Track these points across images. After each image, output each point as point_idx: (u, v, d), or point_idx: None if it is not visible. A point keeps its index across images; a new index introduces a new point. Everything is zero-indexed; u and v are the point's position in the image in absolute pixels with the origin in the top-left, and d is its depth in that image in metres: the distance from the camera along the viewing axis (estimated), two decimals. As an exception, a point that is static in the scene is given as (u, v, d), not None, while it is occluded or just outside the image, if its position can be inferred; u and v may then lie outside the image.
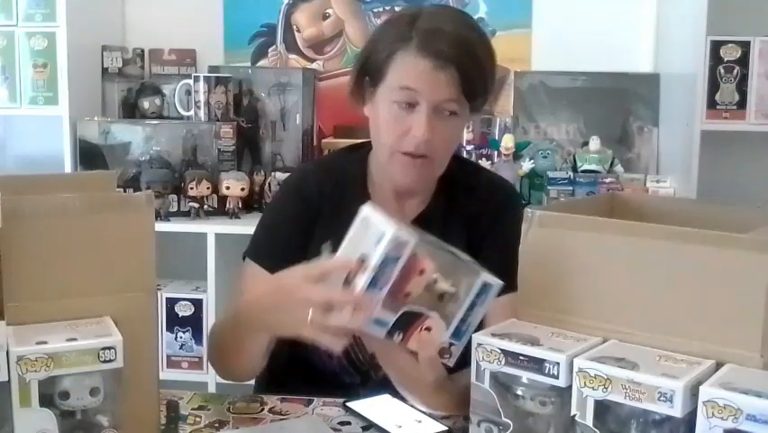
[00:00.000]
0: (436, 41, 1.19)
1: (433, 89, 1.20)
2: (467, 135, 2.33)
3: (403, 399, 1.19)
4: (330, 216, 1.30)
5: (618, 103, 2.37)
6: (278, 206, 1.42)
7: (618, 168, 2.20)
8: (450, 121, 1.23)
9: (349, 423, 1.14)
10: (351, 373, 1.33)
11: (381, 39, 1.26)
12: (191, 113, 2.30)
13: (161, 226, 2.01)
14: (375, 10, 2.47)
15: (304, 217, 1.32)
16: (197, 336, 2.22)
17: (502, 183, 1.45)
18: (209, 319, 2.19)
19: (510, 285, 1.03)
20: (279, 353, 1.38)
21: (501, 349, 0.92)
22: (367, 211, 1.00)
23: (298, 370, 1.34)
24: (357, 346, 1.30)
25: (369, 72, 1.26)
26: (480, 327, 1.01)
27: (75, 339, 0.88)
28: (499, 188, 1.40)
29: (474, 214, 1.31)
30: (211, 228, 2.13)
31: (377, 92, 1.25)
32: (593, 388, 0.85)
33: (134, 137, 2.20)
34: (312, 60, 2.51)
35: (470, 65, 1.20)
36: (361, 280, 0.94)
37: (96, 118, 2.26)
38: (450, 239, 1.22)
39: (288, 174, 1.50)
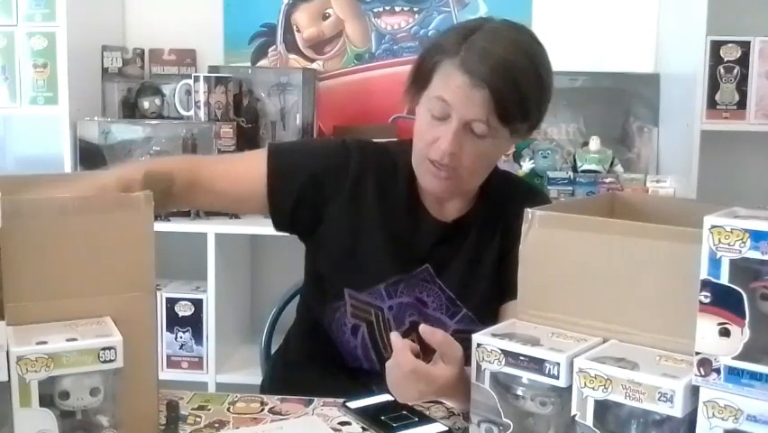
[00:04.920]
0: (479, 61, 1.18)
1: (464, 106, 1.20)
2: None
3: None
4: (373, 199, 1.32)
5: (618, 103, 2.37)
6: (319, 146, 1.42)
7: (618, 168, 2.20)
8: (480, 141, 1.22)
9: (349, 423, 1.14)
10: (370, 359, 1.34)
11: (435, 47, 1.26)
12: (191, 113, 2.29)
13: (161, 226, 2.01)
14: (375, 10, 2.47)
15: (321, 185, 1.32)
16: (197, 336, 2.21)
17: (540, 194, 1.48)
18: (209, 319, 2.19)
19: None
20: (298, 346, 1.41)
21: (501, 349, 0.92)
22: None
23: (316, 356, 1.38)
24: (383, 324, 1.32)
25: (419, 76, 1.27)
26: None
27: (75, 339, 0.88)
28: (536, 200, 1.38)
29: (510, 221, 1.31)
30: (211, 228, 2.13)
31: (421, 98, 1.27)
32: (593, 388, 0.85)
33: (134, 137, 2.20)
34: (312, 60, 2.51)
35: (508, 90, 1.19)
36: None
37: (96, 118, 2.25)
38: (484, 243, 1.32)
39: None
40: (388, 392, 1.18)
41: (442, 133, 1.21)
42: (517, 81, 1.20)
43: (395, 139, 1.47)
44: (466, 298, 1.32)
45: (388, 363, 1.09)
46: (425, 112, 1.25)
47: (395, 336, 1.08)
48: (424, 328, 1.06)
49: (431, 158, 1.24)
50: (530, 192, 1.44)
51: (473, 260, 1.33)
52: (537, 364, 0.89)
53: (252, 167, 1.32)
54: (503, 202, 1.35)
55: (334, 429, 1.12)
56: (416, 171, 1.31)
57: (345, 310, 1.32)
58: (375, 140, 1.45)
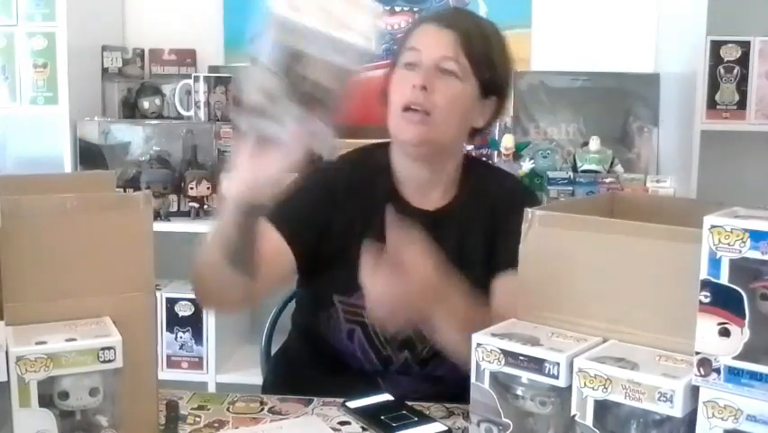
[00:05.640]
0: (447, 12, 1.35)
1: (433, 46, 1.28)
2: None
3: (402, 398, 1.19)
4: (356, 203, 1.33)
5: (618, 103, 2.37)
6: (305, 183, 1.40)
7: (618, 168, 2.20)
8: (451, 81, 1.28)
9: (348, 423, 1.14)
10: (371, 360, 1.34)
11: (405, 33, 1.39)
12: (191, 113, 2.30)
13: (161, 226, 2.01)
14: (375, 10, 2.47)
15: (326, 205, 1.34)
16: (197, 336, 2.21)
17: (517, 180, 1.56)
18: (209, 319, 2.19)
19: None
20: (299, 347, 1.41)
21: (501, 349, 0.92)
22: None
23: (317, 363, 1.38)
24: (377, 326, 1.32)
25: (397, 51, 1.35)
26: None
27: (74, 339, 0.88)
28: (515, 184, 1.49)
29: (492, 207, 1.34)
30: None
31: (395, 69, 1.33)
32: (593, 388, 0.85)
33: (134, 137, 2.20)
34: (312, 60, 2.51)
35: (473, 31, 1.30)
36: None
37: (95, 118, 2.25)
38: (468, 229, 1.34)
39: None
40: (390, 391, 1.19)
41: (414, 78, 1.28)
42: (481, 26, 1.33)
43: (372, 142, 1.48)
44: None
45: (368, 306, 1.09)
46: (399, 70, 1.31)
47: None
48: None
49: (405, 102, 1.28)
50: (508, 180, 1.48)
51: (458, 246, 1.33)
52: (537, 364, 0.89)
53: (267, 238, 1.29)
54: (483, 188, 1.37)
55: (334, 429, 1.12)
56: (394, 133, 1.32)
57: (338, 316, 1.33)
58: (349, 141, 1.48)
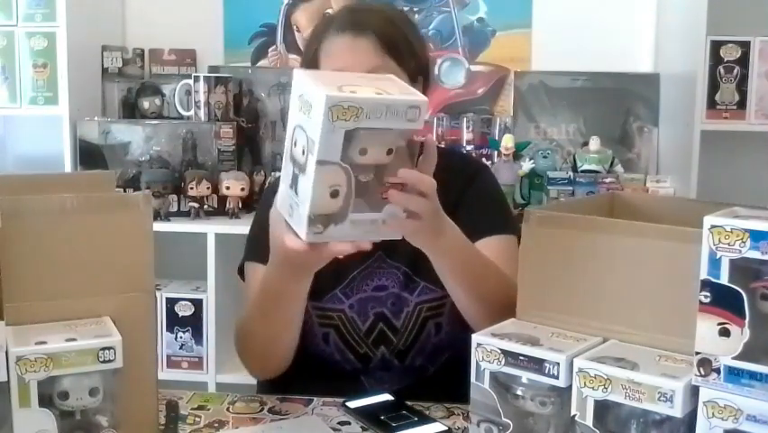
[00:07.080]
0: (352, 16, 1.26)
1: (356, 59, 1.22)
2: (467, 135, 2.33)
3: (402, 398, 1.19)
4: None
5: (618, 103, 2.37)
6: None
7: (618, 168, 2.20)
8: None
9: (348, 423, 1.14)
10: (349, 360, 1.35)
11: (309, 43, 1.31)
12: (191, 113, 2.29)
13: (161, 226, 2.01)
14: (375, 10, 2.46)
15: None
16: (197, 336, 2.21)
17: (465, 155, 1.62)
18: (209, 319, 2.19)
19: (494, 228, 1.27)
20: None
21: (501, 349, 0.92)
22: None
23: (301, 368, 1.36)
24: (349, 324, 1.33)
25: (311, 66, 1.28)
26: None
27: (74, 339, 0.88)
28: (462, 160, 1.55)
29: (445, 188, 1.29)
30: (211, 228, 2.13)
31: None
32: (593, 388, 0.85)
33: (134, 137, 2.20)
34: (312, 60, 2.51)
35: (389, 29, 1.25)
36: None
37: (95, 118, 2.26)
38: None
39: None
40: (375, 387, 1.19)
41: None
42: (393, 20, 1.29)
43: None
44: (419, 271, 1.31)
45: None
46: None
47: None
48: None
49: None
50: (455, 156, 1.51)
51: None
52: (537, 364, 0.89)
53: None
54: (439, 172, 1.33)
55: (334, 429, 1.12)
56: None
57: (312, 322, 1.33)
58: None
